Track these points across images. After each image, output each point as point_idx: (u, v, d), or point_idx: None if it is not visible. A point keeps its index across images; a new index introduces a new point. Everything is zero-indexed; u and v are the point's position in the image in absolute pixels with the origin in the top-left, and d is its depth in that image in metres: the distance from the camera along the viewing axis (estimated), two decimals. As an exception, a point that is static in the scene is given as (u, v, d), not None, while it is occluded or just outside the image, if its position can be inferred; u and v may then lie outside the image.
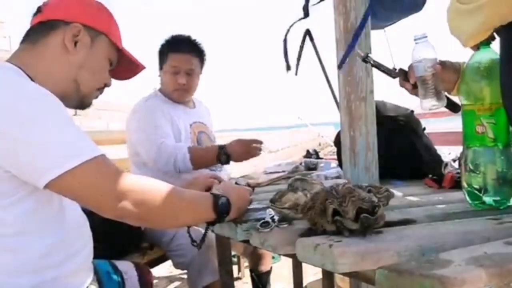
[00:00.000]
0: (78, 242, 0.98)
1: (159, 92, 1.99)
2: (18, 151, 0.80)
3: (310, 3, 1.47)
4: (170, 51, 1.90)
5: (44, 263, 0.90)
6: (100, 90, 1.10)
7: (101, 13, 1.08)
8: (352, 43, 1.23)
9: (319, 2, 1.49)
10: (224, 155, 1.79)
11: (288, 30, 1.47)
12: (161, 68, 1.95)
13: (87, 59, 1.03)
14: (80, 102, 1.06)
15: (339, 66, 1.28)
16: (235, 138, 1.89)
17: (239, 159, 1.85)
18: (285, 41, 1.48)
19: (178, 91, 1.93)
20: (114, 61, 1.10)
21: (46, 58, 0.99)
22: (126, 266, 1.22)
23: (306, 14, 1.46)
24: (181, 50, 1.89)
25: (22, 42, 1.02)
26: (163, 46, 1.96)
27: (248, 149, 1.85)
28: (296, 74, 1.54)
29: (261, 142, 1.89)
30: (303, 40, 1.52)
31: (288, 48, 1.51)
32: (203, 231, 1.01)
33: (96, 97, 1.10)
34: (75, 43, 1.01)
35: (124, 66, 1.14)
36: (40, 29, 1.01)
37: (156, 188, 0.88)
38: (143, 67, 1.18)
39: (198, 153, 1.82)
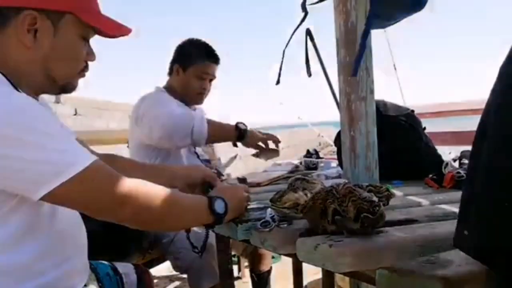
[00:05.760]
0: (66, 250, 0.92)
1: (164, 90, 1.97)
2: (10, 168, 0.75)
3: (308, 1, 1.46)
4: (206, 59, 1.94)
5: (25, 274, 0.84)
6: (84, 70, 0.96)
7: None
8: (363, 43, 1.21)
9: (317, 2, 1.48)
10: (240, 133, 1.81)
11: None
12: (184, 70, 1.93)
13: (54, 48, 0.87)
14: (62, 90, 0.94)
15: (354, 74, 1.23)
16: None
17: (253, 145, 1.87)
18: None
19: (201, 95, 1.97)
20: (91, 34, 0.94)
21: (11, 57, 0.86)
22: (126, 269, 1.22)
23: (305, 12, 1.46)
24: (215, 59, 1.96)
25: None
26: (190, 49, 1.96)
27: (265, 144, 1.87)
28: (309, 75, 1.54)
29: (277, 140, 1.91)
30: (306, 40, 1.52)
31: (287, 51, 1.50)
32: (202, 233, 1.01)
33: (83, 76, 0.96)
34: (35, 33, 0.85)
35: (108, 27, 0.95)
36: None
37: (153, 192, 0.86)
38: (129, 30, 0.98)
39: (216, 124, 1.81)
